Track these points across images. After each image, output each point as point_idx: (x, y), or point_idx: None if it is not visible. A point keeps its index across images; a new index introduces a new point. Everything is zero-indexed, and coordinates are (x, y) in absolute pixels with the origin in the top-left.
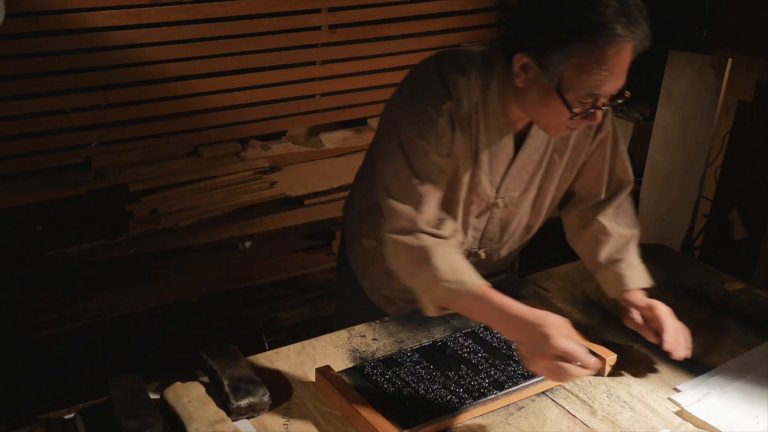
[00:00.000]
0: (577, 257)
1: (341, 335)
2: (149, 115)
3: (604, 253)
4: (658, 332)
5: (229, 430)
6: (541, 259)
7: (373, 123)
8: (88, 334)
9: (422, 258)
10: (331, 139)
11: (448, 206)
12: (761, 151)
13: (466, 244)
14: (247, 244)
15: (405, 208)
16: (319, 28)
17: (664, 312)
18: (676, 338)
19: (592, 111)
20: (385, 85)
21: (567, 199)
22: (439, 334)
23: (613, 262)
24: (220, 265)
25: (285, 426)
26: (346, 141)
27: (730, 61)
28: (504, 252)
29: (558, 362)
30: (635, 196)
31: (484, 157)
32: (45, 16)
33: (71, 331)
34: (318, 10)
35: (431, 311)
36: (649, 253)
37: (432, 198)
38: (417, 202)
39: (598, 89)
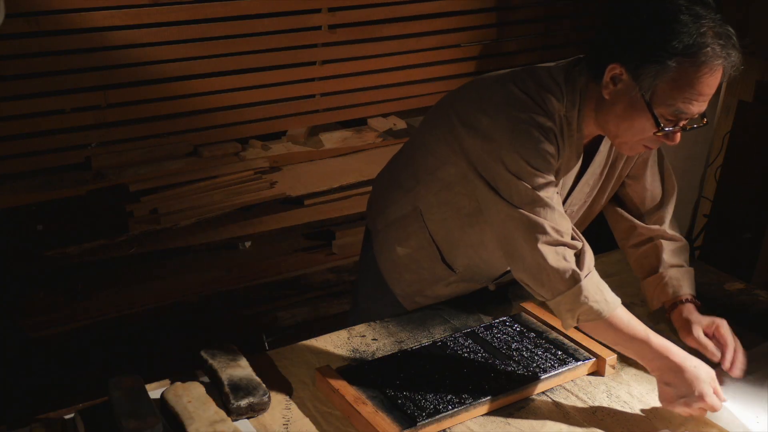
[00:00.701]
0: None
1: (341, 335)
2: (149, 115)
3: (665, 257)
4: (721, 350)
5: (229, 430)
6: None
7: (373, 123)
8: (88, 334)
9: (572, 279)
10: (331, 139)
11: None
12: (761, 151)
13: None
14: (247, 244)
15: (541, 221)
16: (319, 28)
17: (726, 330)
18: (736, 357)
19: (672, 130)
20: (385, 85)
21: (618, 204)
22: (439, 334)
23: (673, 266)
24: (220, 265)
25: (285, 426)
26: (346, 141)
27: None
28: None
29: (696, 409)
30: None
31: (561, 172)
32: (45, 16)
33: (71, 331)
34: (318, 10)
35: (571, 325)
36: None
37: (553, 215)
38: (564, 219)
39: (687, 108)
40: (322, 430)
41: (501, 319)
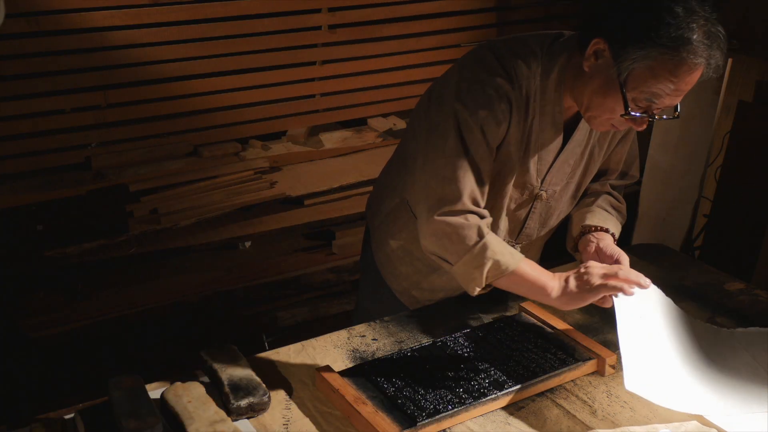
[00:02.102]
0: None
1: (341, 335)
2: (149, 115)
3: (600, 202)
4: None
5: (229, 430)
6: (542, 259)
7: (373, 123)
8: (88, 334)
9: (475, 236)
10: (331, 139)
11: (496, 193)
12: (761, 151)
13: (505, 239)
14: (247, 244)
15: (452, 189)
16: (319, 28)
17: (626, 263)
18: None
19: (639, 116)
20: (385, 85)
21: None
22: (439, 334)
23: (604, 209)
24: (220, 265)
25: (285, 426)
26: (346, 141)
27: (730, 61)
28: (536, 248)
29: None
30: (635, 196)
31: (535, 145)
32: (45, 16)
33: (71, 331)
34: (318, 10)
35: (475, 290)
36: (649, 253)
37: (478, 180)
38: (465, 183)
39: (659, 98)
40: (322, 430)
41: (501, 319)
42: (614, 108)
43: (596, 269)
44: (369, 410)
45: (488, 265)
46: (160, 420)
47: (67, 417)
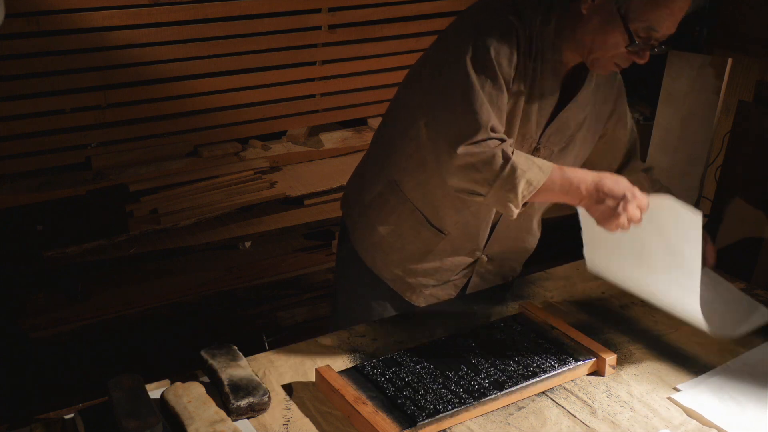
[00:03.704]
0: (577, 257)
1: (341, 335)
2: (149, 115)
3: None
4: None
5: (229, 430)
6: (541, 259)
7: (373, 123)
8: (88, 334)
9: (500, 160)
10: (331, 139)
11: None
12: (761, 151)
13: None
14: (247, 244)
15: (469, 120)
16: (319, 28)
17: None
18: None
19: (642, 47)
20: (385, 85)
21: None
22: (439, 334)
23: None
24: (220, 265)
25: (285, 426)
26: (346, 141)
27: (730, 61)
28: (534, 219)
29: (633, 210)
30: None
31: (537, 93)
32: (45, 16)
33: (71, 331)
34: (318, 10)
35: (514, 213)
36: None
37: (495, 110)
38: (482, 113)
39: (658, 25)
40: (322, 430)
41: (501, 319)
42: (617, 43)
43: (634, 202)
44: (369, 410)
45: (521, 185)
46: (160, 420)
47: (67, 417)
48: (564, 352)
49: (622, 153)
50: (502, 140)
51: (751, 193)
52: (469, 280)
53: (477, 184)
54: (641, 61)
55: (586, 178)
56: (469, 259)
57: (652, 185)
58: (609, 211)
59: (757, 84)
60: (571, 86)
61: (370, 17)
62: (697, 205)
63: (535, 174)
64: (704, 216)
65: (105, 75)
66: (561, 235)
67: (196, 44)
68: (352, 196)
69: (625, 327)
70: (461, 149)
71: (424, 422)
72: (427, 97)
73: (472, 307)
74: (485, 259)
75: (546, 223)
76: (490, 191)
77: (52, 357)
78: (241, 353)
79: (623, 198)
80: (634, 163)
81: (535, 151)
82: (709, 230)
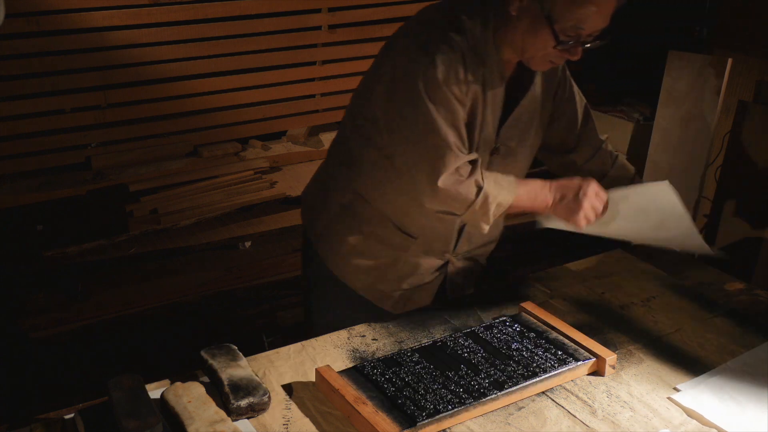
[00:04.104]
0: (577, 257)
1: (341, 335)
2: (149, 115)
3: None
4: None
5: (229, 430)
6: (541, 259)
7: None
8: (88, 334)
9: (474, 191)
10: (330, 139)
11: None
12: (761, 151)
13: None
14: (247, 244)
15: (440, 153)
16: (319, 28)
17: None
18: None
19: (574, 45)
20: None
21: (558, 147)
22: (439, 334)
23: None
24: (220, 265)
25: (285, 426)
26: None
27: (730, 61)
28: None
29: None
30: None
31: (489, 96)
32: (45, 16)
33: (71, 331)
34: (318, 10)
35: (486, 229)
36: (649, 253)
37: (458, 134)
38: (449, 141)
39: (585, 23)
40: (322, 430)
41: (501, 319)
42: (546, 43)
43: (590, 196)
44: (369, 410)
45: (492, 208)
46: (160, 420)
47: (67, 417)
48: (564, 352)
49: (576, 127)
50: (473, 164)
51: (751, 193)
52: (444, 283)
53: (453, 209)
54: (574, 58)
55: (544, 184)
56: (440, 261)
57: (612, 162)
58: (572, 204)
59: (757, 84)
60: (514, 81)
61: (370, 17)
62: (697, 204)
63: (504, 196)
64: (704, 216)
65: (105, 75)
66: (561, 235)
67: (196, 44)
68: (314, 208)
69: (625, 327)
70: (441, 182)
71: (424, 422)
72: (388, 120)
73: (473, 307)
74: (455, 259)
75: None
76: (464, 214)
77: (52, 357)
78: (241, 353)
79: (579, 187)
80: (589, 135)
81: (494, 152)
82: (709, 230)
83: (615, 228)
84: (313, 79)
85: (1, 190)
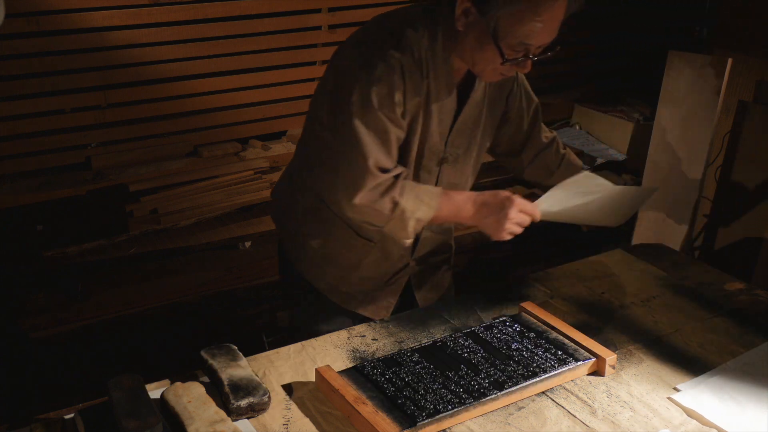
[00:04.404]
0: (577, 257)
1: (341, 335)
2: (149, 115)
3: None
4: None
5: (229, 430)
6: (541, 259)
7: None
8: (88, 334)
9: (389, 206)
10: None
11: (401, 161)
12: (761, 151)
13: None
14: (247, 244)
15: (359, 169)
16: (319, 28)
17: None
18: None
19: (522, 59)
20: None
21: (505, 150)
22: (439, 334)
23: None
24: (220, 265)
25: (285, 426)
26: None
27: (730, 61)
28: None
29: (519, 217)
30: None
31: (435, 108)
32: (45, 16)
33: (71, 331)
34: (318, 10)
35: (406, 243)
36: (649, 253)
37: (384, 151)
38: (370, 157)
39: (530, 39)
40: (322, 430)
41: (501, 319)
42: (494, 58)
43: (514, 211)
44: (369, 410)
45: (411, 223)
46: (160, 420)
47: (67, 417)
48: (564, 352)
49: (524, 125)
50: (395, 177)
51: (751, 193)
52: (409, 287)
53: (372, 222)
54: (523, 71)
55: (468, 198)
56: (400, 264)
57: (560, 161)
58: (494, 223)
59: (757, 84)
60: (465, 88)
61: (370, 17)
62: (697, 204)
63: (424, 212)
64: (704, 216)
65: (105, 75)
66: (561, 236)
67: (196, 44)
68: (283, 209)
69: (625, 327)
70: (358, 199)
71: (424, 422)
72: (327, 136)
73: (473, 307)
74: (413, 263)
75: (548, 224)
76: (385, 226)
77: (52, 357)
78: (241, 353)
79: (503, 207)
80: (535, 137)
81: (442, 161)
82: (709, 230)
83: (567, 215)
84: (313, 79)
85: (1, 190)
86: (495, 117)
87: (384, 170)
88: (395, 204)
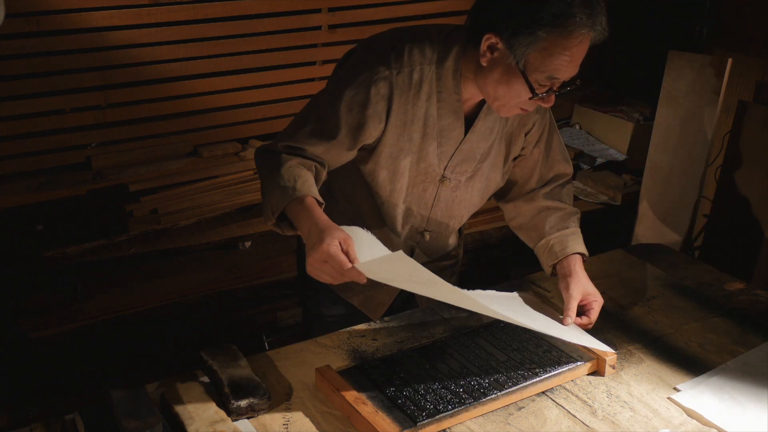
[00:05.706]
0: None
1: (341, 335)
2: (149, 115)
3: (550, 223)
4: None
5: (229, 430)
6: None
7: None
8: (88, 334)
9: (273, 166)
10: None
11: (392, 175)
12: (761, 151)
13: (413, 223)
14: (247, 244)
15: (288, 132)
16: (319, 28)
17: (596, 312)
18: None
19: (547, 94)
20: None
21: (505, 190)
22: (439, 334)
23: (559, 229)
24: (220, 265)
25: (285, 426)
26: None
27: (730, 61)
28: (449, 237)
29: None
30: (635, 196)
31: (434, 130)
32: (45, 16)
33: (71, 331)
34: (318, 10)
35: (269, 220)
36: (649, 253)
37: (321, 148)
38: (300, 136)
39: (559, 73)
40: (322, 430)
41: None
42: (519, 93)
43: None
44: (369, 410)
45: (265, 201)
46: (160, 420)
47: (67, 417)
48: (564, 352)
49: (534, 174)
50: (300, 153)
51: (751, 193)
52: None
53: (262, 186)
54: (546, 105)
55: (313, 226)
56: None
57: (554, 222)
58: (312, 264)
59: (757, 84)
60: (474, 116)
61: (370, 17)
62: (697, 204)
63: (277, 201)
64: (704, 216)
65: (105, 75)
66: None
67: (196, 44)
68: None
69: (625, 327)
70: (262, 147)
71: (424, 422)
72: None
73: None
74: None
75: None
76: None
77: (52, 357)
78: (241, 353)
79: (312, 249)
80: (547, 189)
81: (441, 181)
82: (709, 230)
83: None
84: (313, 79)
85: (1, 190)
86: (509, 154)
87: (305, 156)
88: (257, 166)
